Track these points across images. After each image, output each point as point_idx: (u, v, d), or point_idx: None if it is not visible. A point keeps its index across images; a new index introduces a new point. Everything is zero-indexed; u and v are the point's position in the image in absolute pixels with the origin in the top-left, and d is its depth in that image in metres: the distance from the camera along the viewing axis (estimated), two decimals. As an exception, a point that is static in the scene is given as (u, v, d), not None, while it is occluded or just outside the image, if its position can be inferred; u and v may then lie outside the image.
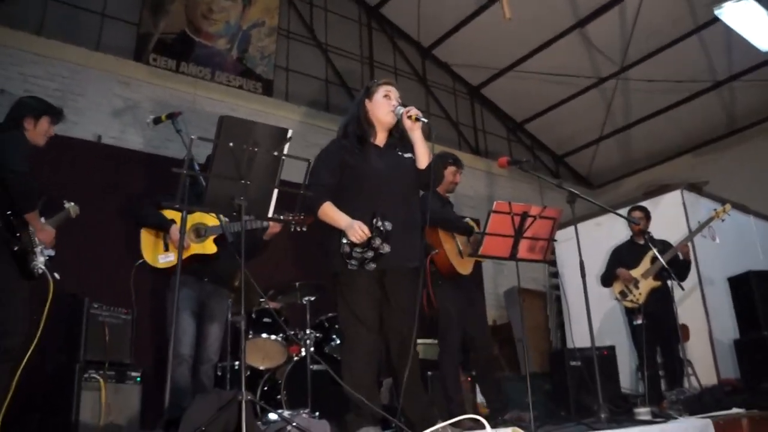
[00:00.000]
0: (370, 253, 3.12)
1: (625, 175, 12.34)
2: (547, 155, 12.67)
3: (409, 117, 3.33)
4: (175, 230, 4.12)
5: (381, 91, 3.52)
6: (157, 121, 3.92)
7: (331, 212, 3.28)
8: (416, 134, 3.37)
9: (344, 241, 3.17)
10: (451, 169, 4.91)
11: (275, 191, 3.08)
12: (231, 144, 2.87)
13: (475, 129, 11.63)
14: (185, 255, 4.13)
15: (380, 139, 3.53)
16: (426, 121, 3.35)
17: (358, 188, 3.33)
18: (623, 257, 6.18)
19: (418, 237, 3.44)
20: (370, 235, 3.11)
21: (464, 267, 4.67)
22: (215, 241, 4.20)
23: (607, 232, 7.10)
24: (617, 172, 12.44)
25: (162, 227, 4.20)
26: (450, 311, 4.53)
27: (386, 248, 3.12)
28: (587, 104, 11.15)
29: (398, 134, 3.51)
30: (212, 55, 8.31)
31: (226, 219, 3.97)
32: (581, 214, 8.11)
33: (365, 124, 3.49)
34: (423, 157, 3.38)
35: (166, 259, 4.17)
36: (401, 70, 10.76)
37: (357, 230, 3.12)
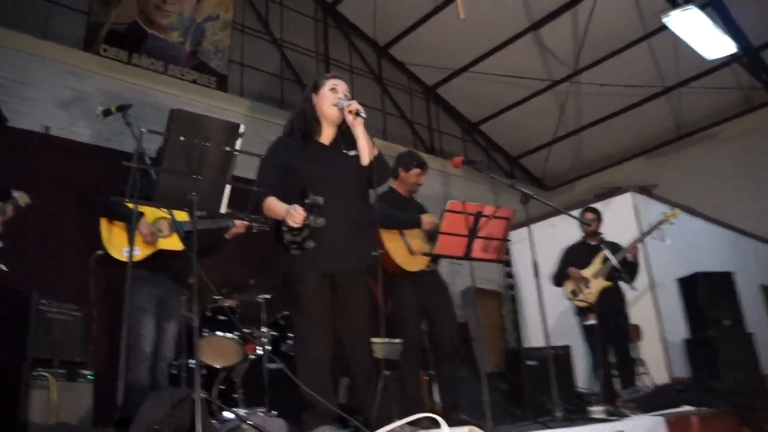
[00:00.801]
0: (306, 231, 3.05)
1: (578, 177, 12.55)
2: (502, 156, 12.80)
3: (350, 111, 3.26)
4: (144, 225, 4.05)
5: (328, 85, 3.43)
6: (107, 113, 3.82)
7: (272, 205, 3.21)
8: (358, 129, 3.29)
9: (284, 228, 3.11)
10: (415, 171, 4.89)
11: (227, 187, 3.02)
12: (182, 138, 2.81)
13: (431, 128, 11.67)
14: (152, 250, 4.11)
15: (327, 136, 3.44)
16: (365, 116, 3.25)
17: (301, 188, 3.23)
18: (575, 257, 6.25)
19: (371, 237, 3.39)
20: (305, 215, 3.04)
21: (415, 263, 4.62)
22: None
23: (561, 232, 7.17)
24: (570, 174, 12.64)
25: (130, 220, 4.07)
26: (405, 309, 4.52)
27: (320, 222, 3.03)
28: (541, 107, 11.29)
29: (348, 130, 3.39)
30: (165, 47, 8.15)
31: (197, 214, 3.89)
32: (535, 215, 8.17)
33: (312, 119, 3.41)
34: (365, 153, 3.29)
35: (135, 252, 4.07)
36: (357, 68, 10.73)
37: (293, 213, 3.05)
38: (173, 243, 4.14)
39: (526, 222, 4.21)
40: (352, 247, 3.25)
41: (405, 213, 4.77)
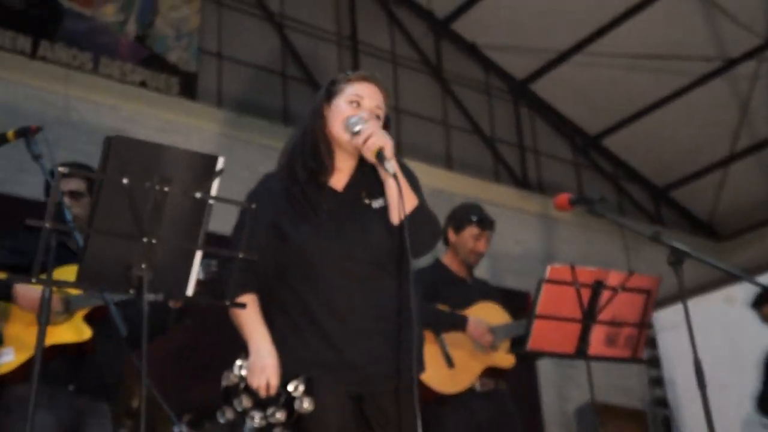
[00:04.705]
0: (257, 418, 3.03)
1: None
2: (641, 188, 12.76)
3: (367, 147, 3.10)
4: (25, 295, 3.91)
5: (347, 92, 3.30)
6: (0, 139, 3.92)
7: (244, 316, 3.17)
8: (384, 168, 3.10)
9: (238, 364, 3.11)
10: (470, 231, 4.95)
11: (198, 254, 3.08)
12: (124, 180, 2.87)
13: (522, 148, 11.72)
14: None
15: (342, 174, 3.35)
16: (387, 157, 3.04)
17: (298, 269, 3.24)
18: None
19: (409, 331, 3.28)
20: (272, 396, 3.03)
21: (457, 381, 4.70)
22: (88, 319, 4.09)
23: (746, 312, 7.10)
24: (759, 213, 12.44)
25: (2, 297, 4.02)
26: None
27: (307, 406, 3.02)
28: (706, 103, 11.22)
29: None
30: (95, 31, 8.33)
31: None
32: (697, 283, 8.11)
33: (323, 146, 3.29)
34: (396, 203, 3.12)
35: (4, 359, 4.01)
36: (403, 57, 10.85)
37: (261, 376, 3.03)
38: (72, 332, 4.06)
39: (682, 295, 4.19)
40: (384, 352, 3.24)
41: (437, 310, 4.77)
